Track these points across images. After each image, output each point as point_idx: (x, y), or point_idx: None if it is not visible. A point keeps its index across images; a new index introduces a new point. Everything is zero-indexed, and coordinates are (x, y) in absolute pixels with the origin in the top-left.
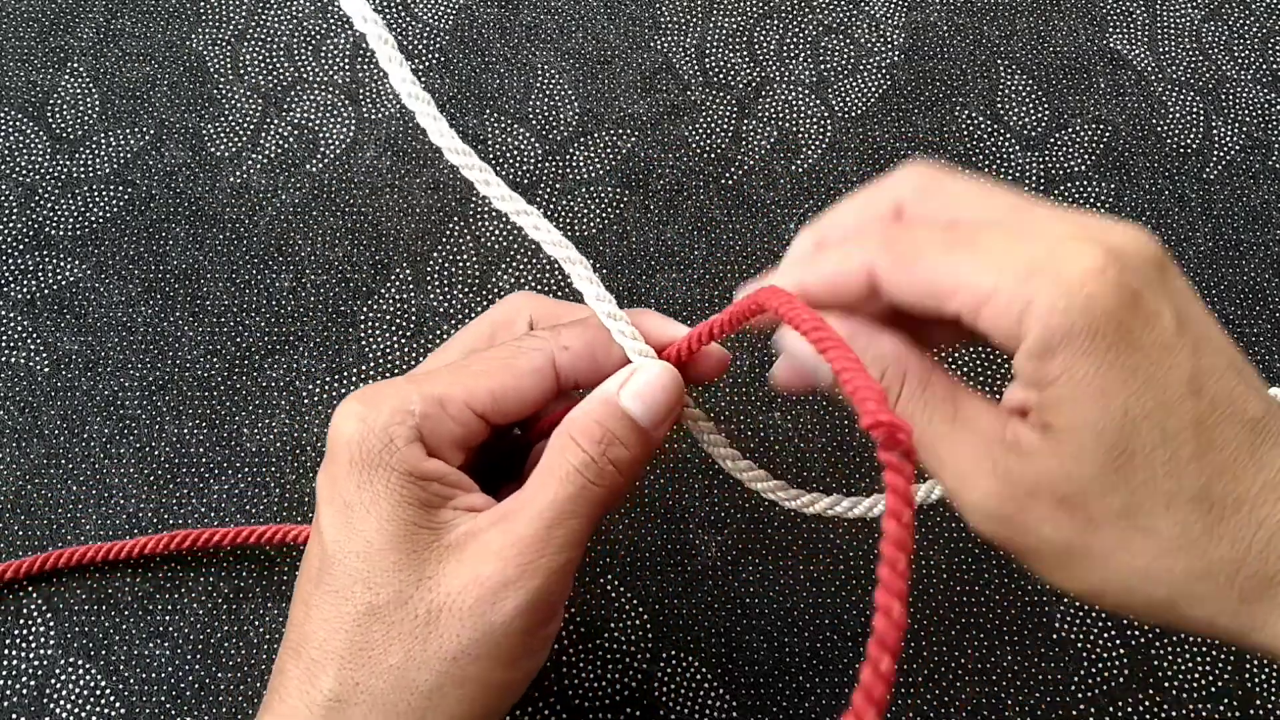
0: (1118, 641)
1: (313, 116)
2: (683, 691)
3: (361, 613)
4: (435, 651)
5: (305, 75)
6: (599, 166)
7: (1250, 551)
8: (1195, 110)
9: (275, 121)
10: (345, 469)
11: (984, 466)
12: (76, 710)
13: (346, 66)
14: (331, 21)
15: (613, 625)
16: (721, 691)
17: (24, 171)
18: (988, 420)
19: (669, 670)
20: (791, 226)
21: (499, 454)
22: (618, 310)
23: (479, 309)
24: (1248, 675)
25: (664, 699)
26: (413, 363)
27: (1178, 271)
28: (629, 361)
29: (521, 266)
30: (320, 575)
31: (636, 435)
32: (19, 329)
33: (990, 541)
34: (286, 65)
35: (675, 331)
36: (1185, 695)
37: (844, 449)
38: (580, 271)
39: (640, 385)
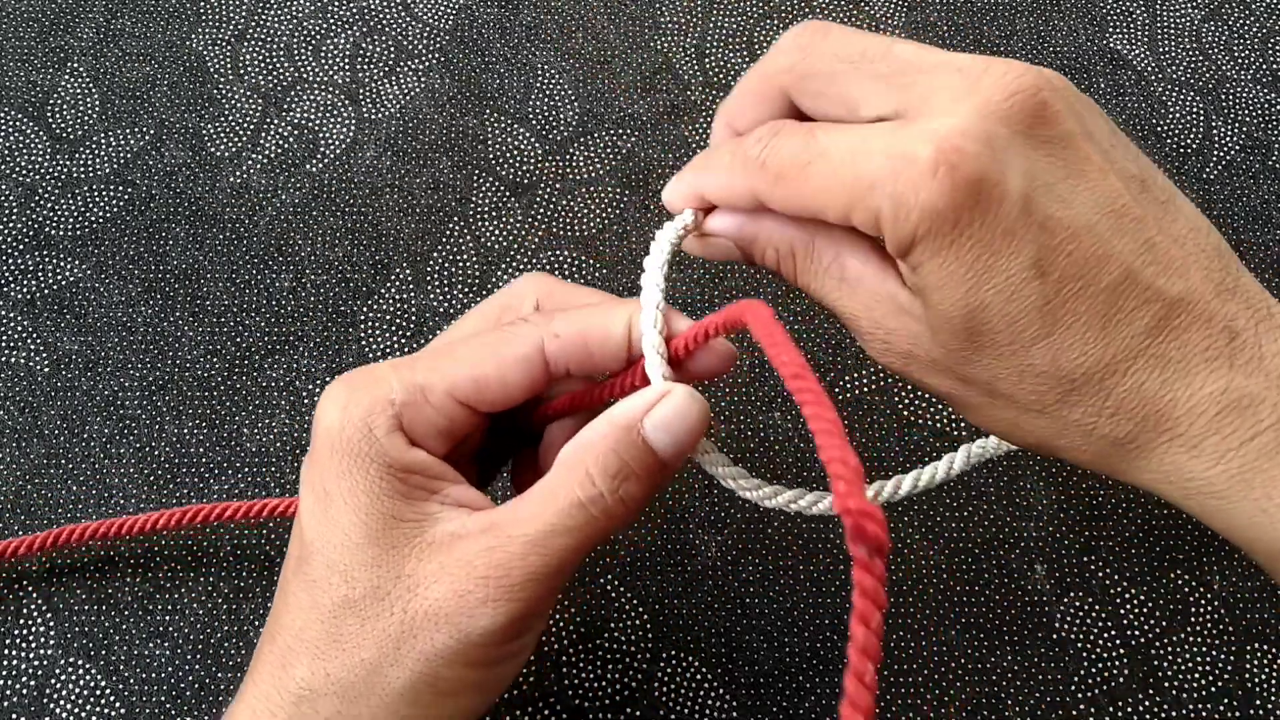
0: (1118, 641)
1: (313, 116)
2: (683, 691)
3: (337, 604)
4: (409, 651)
5: (305, 75)
6: (599, 166)
7: (1100, 417)
8: (1195, 110)
9: (275, 121)
10: (326, 456)
11: (872, 324)
12: (76, 710)
13: (346, 66)
14: (331, 21)
15: (613, 625)
16: (721, 691)
17: (24, 171)
18: (872, 278)
19: (669, 670)
20: None
21: (502, 436)
22: (658, 340)
23: None
24: (1248, 675)
25: (664, 699)
26: None
27: (1061, 110)
28: (626, 355)
29: (522, 266)
30: (299, 564)
31: (654, 470)
32: (19, 329)
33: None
34: (286, 65)
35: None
36: (1185, 695)
37: None
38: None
39: (668, 415)
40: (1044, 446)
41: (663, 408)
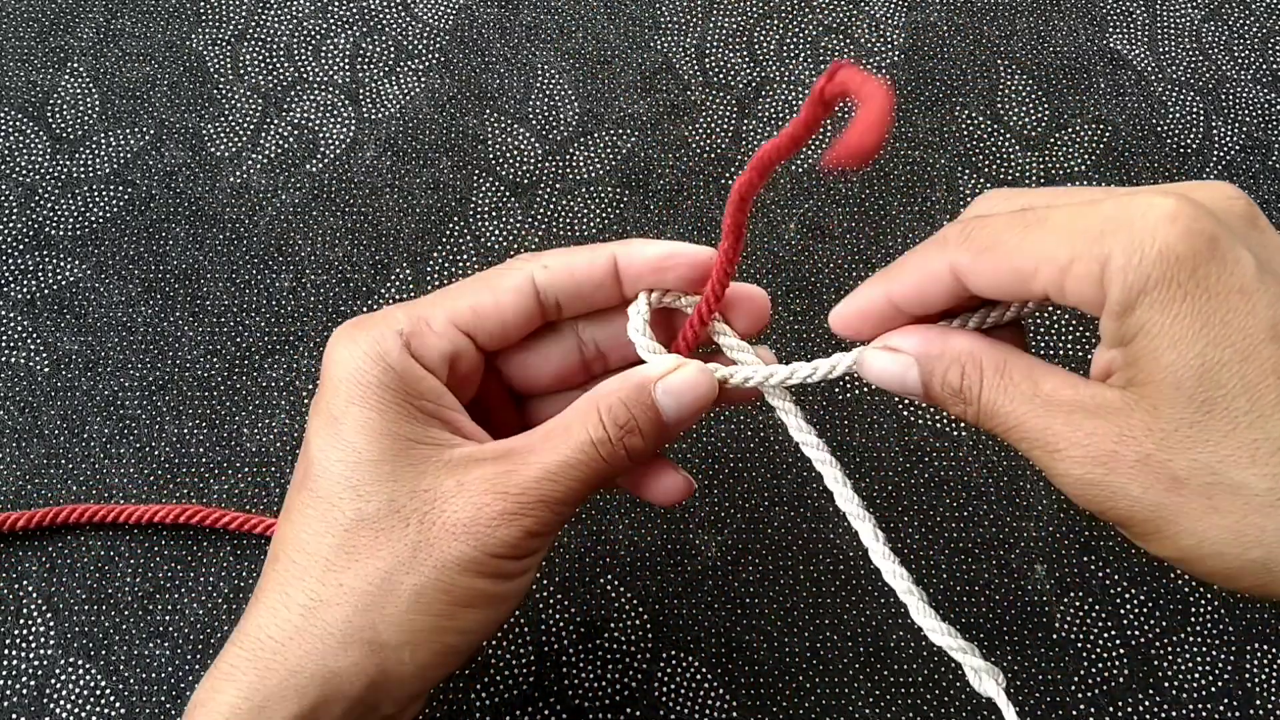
0: (1118, 641)
1: (313, 116)
2: (683, 691)
3: (350, 519)
4: (424, 559)
5: (305, 75)
6: (599, 166)
7: None
8: (1195, 110)
9: (275, 121)
10: (334, 388)
11: (1069, 435)
12: (76, 710)
13: (346, 66)
14: (331, 21)
15: (613, 625)
16: (721, 691)
17: (24, 171)
18: (1070, 391)
19: (669, 670)
20: (791, 227)
21: (489, 405)
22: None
23: None
24: (1248, 675)
25: (664, 699)
26: None
27: (1269, 224)
28: (615, 286)
29: None
30: (304, 483)
31: (657, 429)
32: (19, 329)
33: (1087, 510)
34: (286, 65)
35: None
36: (1185, 695)
37: (845, 449)
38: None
39: (678, 383)
40: (1267, 568)
41: (677, 376)
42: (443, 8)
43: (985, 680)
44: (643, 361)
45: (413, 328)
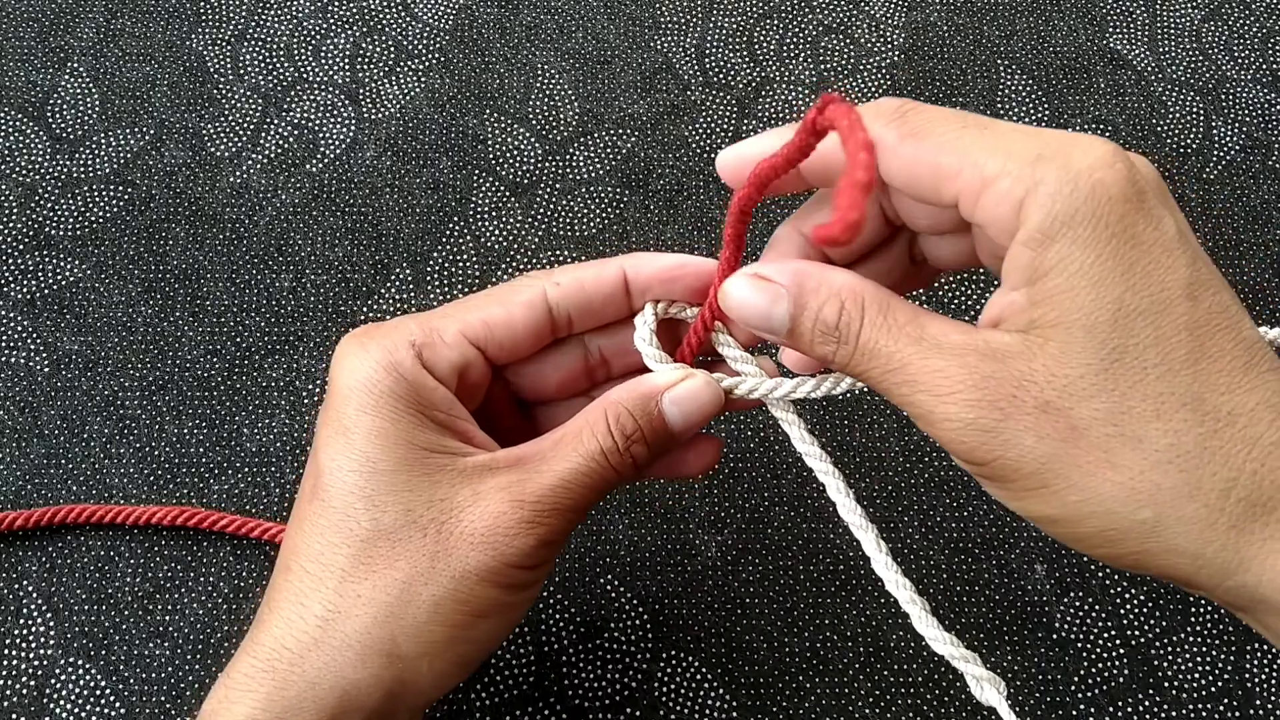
0: (1118, 641)
1: (313, 116)
2: (683, 691)
3: (367, 530)
4: (443, 569)
5: (305, 75)
6: (599, 166)
7: (1243, 471)
8: (1195, 110)
9: (275, 121)
10: (345, 397)
11: (960, 378)
12: (76, 710)
13: (346, 66)
14: (331, 21)
15: (613, 625)
16: (721, 691)
17: (24, 171)
18: (960, 335)
19: (669, 670)
20: None
21: (495, 413)
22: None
23: None
24: (1248, 675)
25: (664, 699)
26: None
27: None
28: (625, 299)
29: (522, 266)
30: (315, 494)
31: (663, 438)
32: (19, 329)
33: (967, 464)
34: (286, 65)
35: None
36: (1185, 695)
37: (845, 449)
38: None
39: (684, 394)
40: (1155, 532)
41: (684, 387)
42: (443, 8)
43: (987, 689)
44: (648, 370)
45: (425, 338)
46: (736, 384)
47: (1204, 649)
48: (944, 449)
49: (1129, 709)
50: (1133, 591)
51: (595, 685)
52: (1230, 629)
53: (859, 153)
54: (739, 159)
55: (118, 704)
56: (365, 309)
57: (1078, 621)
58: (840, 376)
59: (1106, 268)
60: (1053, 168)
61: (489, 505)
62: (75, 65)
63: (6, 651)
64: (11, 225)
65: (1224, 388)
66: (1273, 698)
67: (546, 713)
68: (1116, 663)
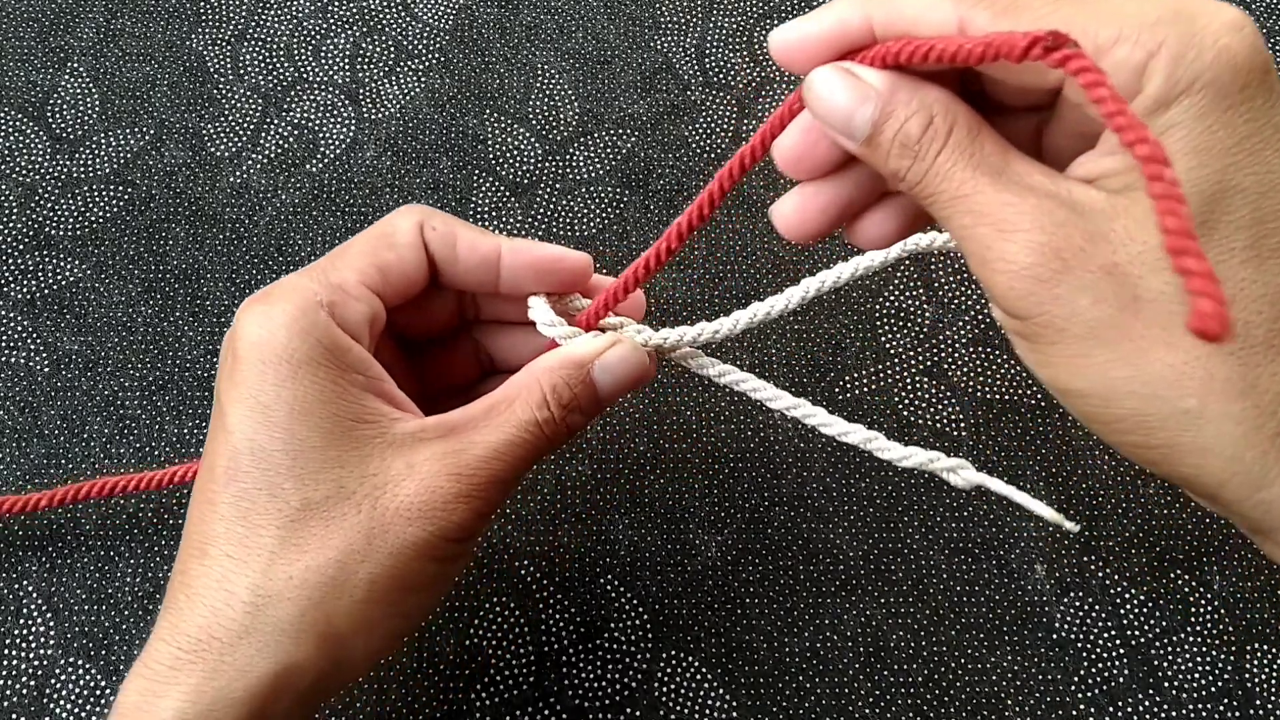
0: (1118, 641)
1: (313, 116)
2: (683, 691)
3: (295, 508)
4: (380, 546)
5: (305, 75)
6: (599, 166)
7: None
8: None
9: (275, 121)
10: (257, 370)
11: (1029, 217)
12: (76, 710)
13: (346, 66)
14: (331, 21)
15: (613, 625)
16: (721, 691)
17: (24, 171)
18: (1044, 177)
19: (669, 670)
20: None
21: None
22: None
23: None
24: (1248, 675)
25: (664, 699)
26: None
27: None
28: (495, 270)
29: None
30: (232, 474)
31: (594, 405)
32: (19, 329)
33: (1010, 316)
34: (286, 65)
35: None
36: (1185, 695)
37: (844, 449)
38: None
39: (614, 361)
40: (1192, 426)
41: (611, 354)
42: (443, 8)
43: (963, 473)
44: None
45: (331, 294)
46: (665, 339)
47: (1204, 649)
48: (988, 297)
49: (1129, 709)
50: (1133, 592)
51: (595, 685)
52: (1230, 629)
53: (1166, 216)
54: (801, 38)
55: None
56: None
57: (1078, 621)
58: (737, 318)
59: (1217, 139)
60: (1176, 30)
61: (424, 479)
62: (75, 65)
63: (6, 651)
64: (11, 225)
65: None
66: (1273, 698)
67: (546, 713)
68: (1116, 663)
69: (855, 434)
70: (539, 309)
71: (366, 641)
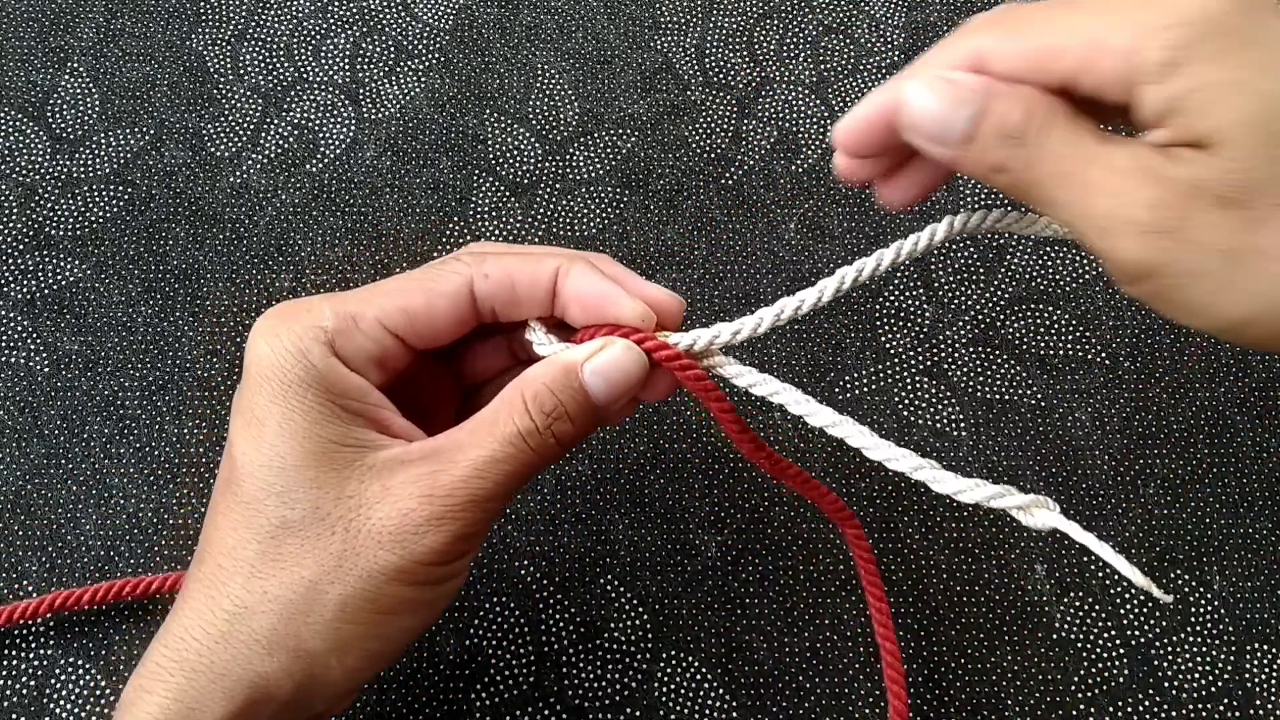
0: (1118, 641)
1: (313, 116)
2: (683, 691)
3: (275, 525)
4: (350, 568)
5: (305, 75)
6: (599, 166)
7: None
8: None
9: (275, 121)
10: (256, 385)
11: (1141, 179)
12: (76, 710)
13: (346, 66)
14: (331, 21)
15: (613, 625)
16: (721, 691)
17: (24, 171)
18: (1136, 145)
19: (669, 670)
20: (791, 227)
21: (429, 396)
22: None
23: None
24: (1248, 675)
25: (664, 699)
26: None
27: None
28: (550, 302)
29: None
30: (228, 487)
31: (588, 413)
32: (19, 329)
33: (1143, 277)
34: (286, 65)
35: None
36: (1185, 695)
37: (844, 449)
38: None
39: (605, 363)
40: None
41: (602, 355)
42: (443, 8)
43: (1038, 515)
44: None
45: (337, 325)
46: (679, 340)
47: (1204, 649)
48: (1111, 271)
49: (1129, 709)
50: (1133, 591)
51: (595, 685)
52: (1230, 629)
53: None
54: (854, 122)
55: (118, 704)
56: None
57: (1078, 621)
58: (762, 317)
59: (1244, 72)
60: (1156, 8)
61: (397, 502)
62: (75, 65)
63: (6, 651)
64: (11, 225)
65: None
66: (1273, 698)
67: (546, 713)
68: (1116, 663)
69: (904, 461)
70: (538, 333)
71: (340, 659)
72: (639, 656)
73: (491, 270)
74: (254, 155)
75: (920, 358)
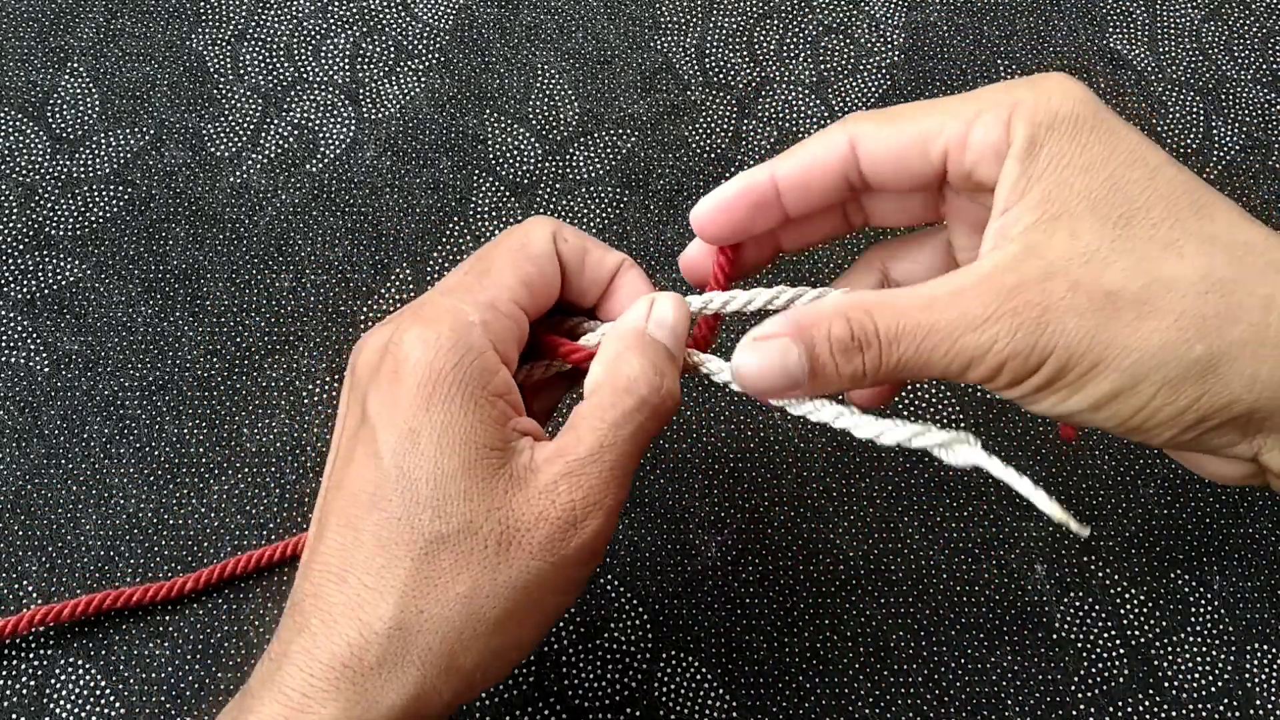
0: (1118, 641)
1: (313, 116)
2: (683, 691)
3: (429, 541)
4: (505, 581)
5: (305, 75)
6: (599, 166)
7: (1276, 287)
8: (1195, 110)
9: (275, 121)
10: (412, 392)
11: (989, 300)
12: (76, 710)
13: (346, 66)
14: (331, 21)
15: (613, 625)
16: (721, 691)
17: (24, 171)
18: (960, 276)
19: (669, 670)
20: None
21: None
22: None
23: None
24: (1248, 675)
25: (664, 699)
26: None
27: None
28: (605, 289)
29: None
30: (376, 500)
31: (674, 364)
32: (19, 329)
33: (1021, 382)
34: (286, 65)
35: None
36: (1185, 695)
37: (844, 449)
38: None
39: (663, 314)
40: (1211, 367)
41: (658, 309)
42: (443, 8)
43: (959, 450)
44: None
45: (484, 315)
46: (708, 301)
47: (1204, 649)
48: (993, 390)
49: (1129, 709)
50: (1133, 591)
51: (595, 685)
52: (1230, 629)
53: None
54: (715, 205)
55: (118, 704)
56: (365, 309)
57: (1078, 621)
58: (801, 290)
59: (1094, 154)
60: (1025, 91)
61: (541, 512)
62: (75, 65)
63: (6, 651)
64: (11, 225)
65: (1232, 226)
66: (1273, 698)
67: (546, 713)
68: (1116, 663)
69: (824, 411)
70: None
71: (485, 674)
72: (639, 656)
73: (570, 237)
74: (254, 155)
75: None
